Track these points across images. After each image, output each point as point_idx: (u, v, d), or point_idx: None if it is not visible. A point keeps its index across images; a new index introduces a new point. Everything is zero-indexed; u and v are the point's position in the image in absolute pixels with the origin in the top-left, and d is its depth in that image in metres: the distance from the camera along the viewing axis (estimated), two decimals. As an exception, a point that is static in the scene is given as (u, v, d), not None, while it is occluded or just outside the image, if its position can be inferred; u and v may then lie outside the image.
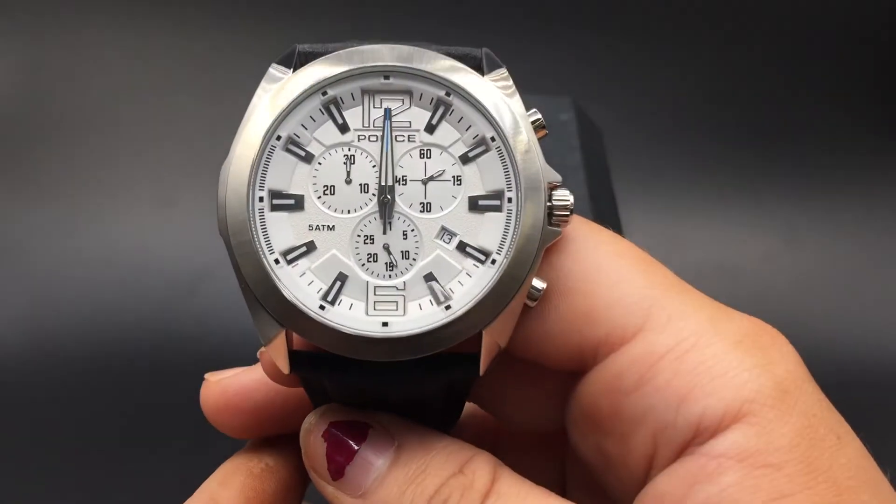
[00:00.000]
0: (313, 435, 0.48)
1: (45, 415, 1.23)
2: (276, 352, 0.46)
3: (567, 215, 0.45)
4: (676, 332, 0.44)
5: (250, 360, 0.57)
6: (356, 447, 0.47)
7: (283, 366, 0.46)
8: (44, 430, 1.21)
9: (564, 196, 0.46)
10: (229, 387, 0.55)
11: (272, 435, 0.57)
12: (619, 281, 0.46)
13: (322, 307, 0.45)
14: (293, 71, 0.46)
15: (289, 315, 0.45)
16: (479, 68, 0.47)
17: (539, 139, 0.46)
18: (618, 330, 0.45)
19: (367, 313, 0.45)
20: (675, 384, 0.43)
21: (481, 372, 0.46)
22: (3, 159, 1.46)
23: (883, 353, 1.37)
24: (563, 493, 0.57)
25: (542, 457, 0.59)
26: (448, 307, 0.45)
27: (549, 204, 0.45)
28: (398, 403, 0.49)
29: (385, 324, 0.45)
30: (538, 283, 0.45)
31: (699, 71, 1.55)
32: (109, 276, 1.37)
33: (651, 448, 0.44)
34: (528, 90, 0.47)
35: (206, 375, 0.57)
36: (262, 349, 0.52)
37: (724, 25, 1.56)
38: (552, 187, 0.46)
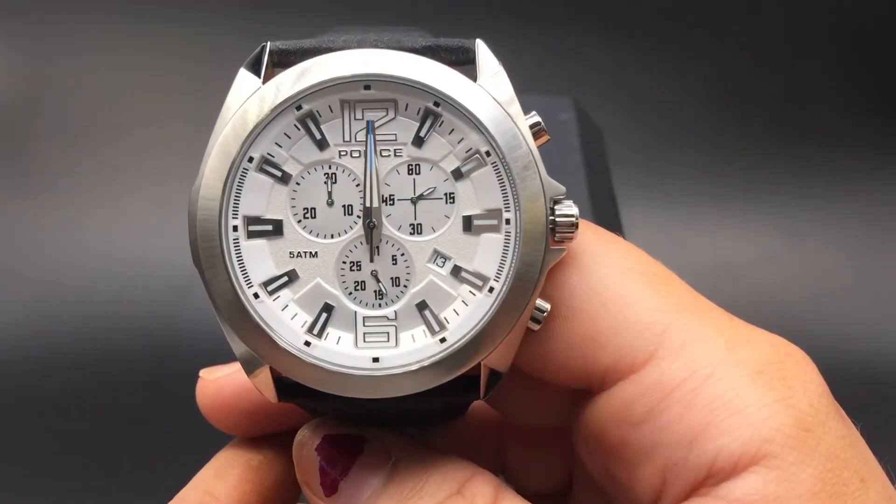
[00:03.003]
0: (307, 448, 0.45)
1: (44, 415, 1.23)
2: (262, 385, 0.43)
3: (572, 232, 0.41)
4: (691, 361, 0.41)
5: None
6: (351, 462, 0.44)
7: (271, 397, 0.43)
8: (42, 430, 1.20)
9: (569, 211, 0.41)
10: (225, 386, 0.53)
11: (270, 433, 0.55)
12: (628, 302, 0.42)
13: (307, 343, 0.41)
14: (263, 79, 0.42)
15: (271, 353, 0.41)
16: (472, 62, 0.42)
17: (540, 146, 0.42)
18: (627, 357, 0.42)
19: (356, 346, 0.41)
20: (688, 420, 0.40)
21: (482, 397, 0.43)
22: (2, 160, 1.46)
23: (883, 352, 1.37)
24: (569, 489, 0.56)
25: (550, 451, 0.56)
26: (443, 339, 0.41)
27: (551, 219, 0.41)
28: (395, 419, 0.46)
29: (376, 359, 0.41)
30: (542, 304, 0.42)
31: (699, 71, 1.55)
32: (108, 277, 1.37)
33: (660, 482, 0.41)
34: (529, 90, 0.44)
35: (201, 372, 0.55)
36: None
37: (725, 25, 1.55)
38: (555, 201, 0.41)
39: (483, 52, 0.42)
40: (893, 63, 1.55)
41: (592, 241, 0.44)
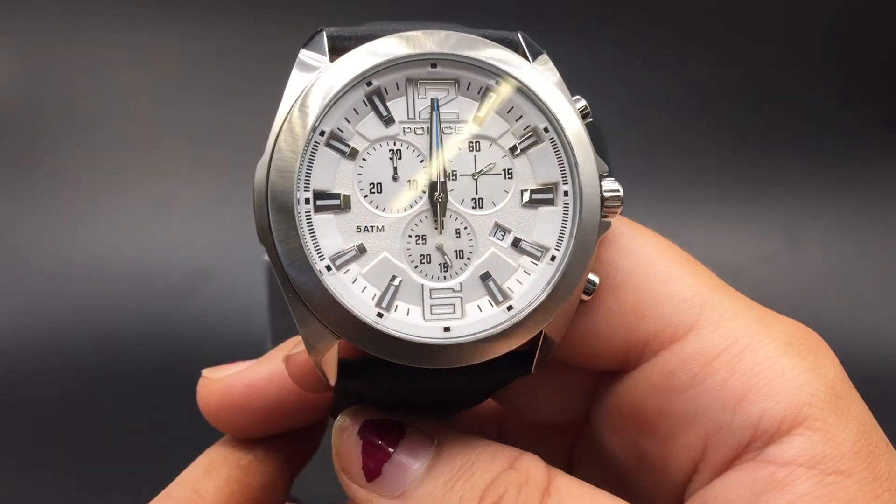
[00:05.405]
0: (347, 433, 0.45)
1: (42, 413, 1.22)
2: (327, 363, 0.43)
3: (618, 206, 0.43)
4: (729, 333, 0.43)
5: (249, 358, 0.55)
6: (394, 446, 0.44)
7: (332, 377, 0.43)
8: (42, 431, 1.20)
9: (614, 185, 0.44)
10: (233, 385, 0.53)
11: (276, 433, 0.54)
12: (669, 277, 0.45)
13: (380, 315, 0.41)
14: (329, 58, 0.43)
15: (346, 325, 0.41)
16: (518, 52, 0.44)
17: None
18: (669, 327, 0.44)
19: (424, 318, 0.42)
20: (731, 385, 0.42)
21: (532, 370, 0.44)
22: (2, 160, 1.46)
23: (883, 351, 1.36)
24: None
25: (549, 445, 0.57)
26: (510, 307, 0.42)
27: (600, 195, 0.43)
28: (429, 402, 0.47)
29: (447, 328, 0.42)
30: (593, 277, 0.44)
31: (699, 71, 1.55)
32: (108, 277, 1.37)
33: (699, 450, 0.43)
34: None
35: (204, 372, 0.54)
36: (289, 354, 0.49)
37: (725, 25, 1.55)
38: (601, 176, 0.44)
39: (528, 44, 0.45)
40: (894, 62, 1.55)
41: (627, 223, 0.47)
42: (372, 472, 0.44)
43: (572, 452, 0.57)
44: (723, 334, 0.43)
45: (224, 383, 0.53)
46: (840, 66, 1.55)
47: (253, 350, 0.60)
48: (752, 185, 1.52)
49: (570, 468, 0.58)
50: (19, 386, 1.26)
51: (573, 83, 0.44)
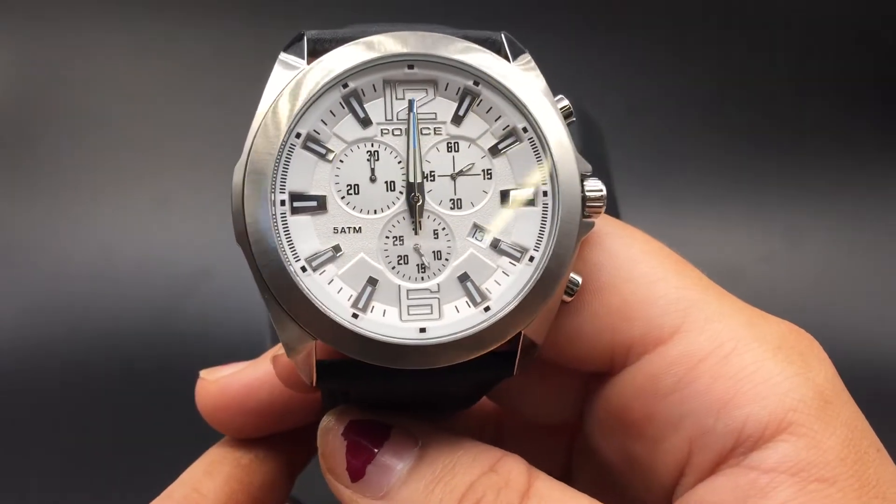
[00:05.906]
0: (332, 434, 0.45)
1: (41, 414, 1.23)
2: (304, 365, 0.43)
3: (601, 206, 0.43)
4: (715, 335, 0.42)
5: (248, 358, 0.55)
6: (378, 447, 0.44)
7: (310, 378, 0.43)
8: (41, 431, 1.20)
9: (597, 186, 0.43)
10: (229, 386, 0.53)
11: (272, 433, 0.54)
12: (655, 279, 0.44)
13: (355, 315, 0.42)
14: (307, 60, 0.43)
15: (320, 326, 0.41)
16: (500, 53, 0.44)
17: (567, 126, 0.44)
18: (654, 330, 0.43)
19: (401, 319, 0.42)
20: (716, 389, 0.41)
21: (514, 372, 0.44)
22: (2, 160, 1.46)
23: (883, 351, 1.36)
24: (568, 483, 0.58)
25: (547, 445, 0.57)
26: (487, 308, 0.42)
27: (582, 195, 0.43)
28: (418, 402, 0.47)
29: (423, 329, 0.42)
30: (574, 277, 0.43)
31: (700, 71, 1.55)
32: (108, 277, 1.37)
33: (685, 454, 0.42)
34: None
35: (202, 373, 0.55)
36: (276, 354, 0.50)
37: (725, 25, 1.55)
38: (583, 177, 0.43)
39: (510, 42, 0.45)
40: (894, 62, 1.55)
41: (613, 223, 0.46)
42: (357, 472, 0.44)
43: (570, 452, 0.57)
44: (709, 337, 0.43)
45: (221, 384, 0.54)
46: (840, 66, 1.55)
47: (253, 350, 0.60)
48: (752, 185, 1.52)
49: (569, 468, 0.58)
50: (19, 386, 1.26)
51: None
